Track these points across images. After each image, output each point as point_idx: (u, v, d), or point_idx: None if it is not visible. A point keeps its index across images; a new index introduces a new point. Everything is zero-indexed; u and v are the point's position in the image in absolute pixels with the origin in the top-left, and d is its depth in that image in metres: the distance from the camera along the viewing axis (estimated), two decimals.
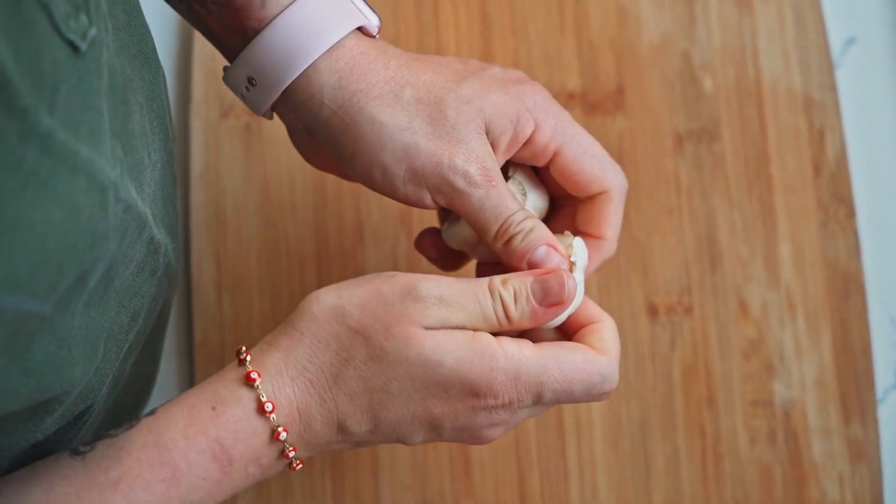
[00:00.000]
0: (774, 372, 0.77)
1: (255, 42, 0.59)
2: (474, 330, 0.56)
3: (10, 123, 0.40)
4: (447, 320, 0.56)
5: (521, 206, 0.59)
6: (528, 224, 0.59)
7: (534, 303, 0.57)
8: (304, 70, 0.59)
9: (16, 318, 0.42)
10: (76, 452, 0.55)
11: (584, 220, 0.64)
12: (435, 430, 0.58)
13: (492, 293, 0.57)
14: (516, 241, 0.59)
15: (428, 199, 0.59)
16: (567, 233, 0.62)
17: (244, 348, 0.57)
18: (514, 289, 0.57)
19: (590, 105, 0.81)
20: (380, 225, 0.79)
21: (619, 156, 0.80)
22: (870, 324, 0.77)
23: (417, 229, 0.79)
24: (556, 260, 0.59)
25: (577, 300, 0.59)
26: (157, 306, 0.63)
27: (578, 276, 0.60)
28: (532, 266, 0.59)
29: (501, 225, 0.59)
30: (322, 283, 0.79)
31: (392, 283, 0.56)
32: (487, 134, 0.59)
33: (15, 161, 0.40)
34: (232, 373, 0.57)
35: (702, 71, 0.81)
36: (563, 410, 0.77)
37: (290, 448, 0.56)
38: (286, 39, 0.58)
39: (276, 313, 0.78)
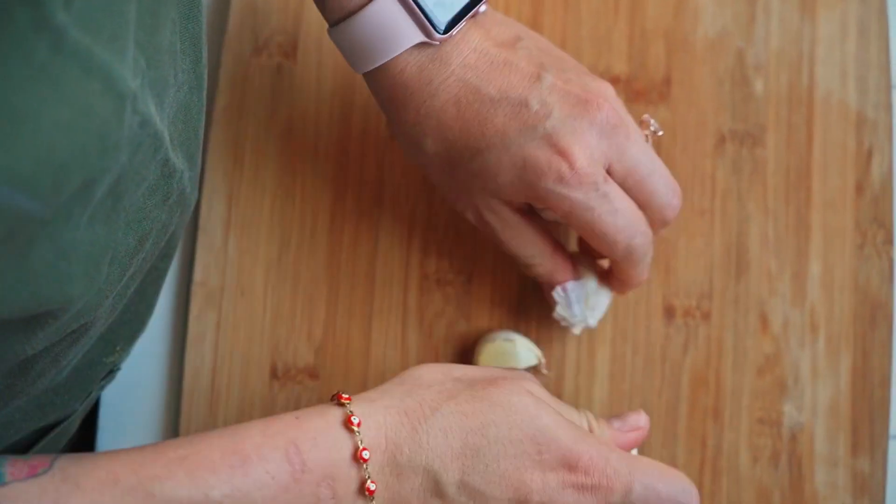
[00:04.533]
0: (787, 392, 0.74)
1: (331, 31, 0.62)
2: None
3: (23, 11, 0.38)
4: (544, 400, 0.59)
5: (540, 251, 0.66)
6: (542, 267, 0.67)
7: (614, 427, 0.62)
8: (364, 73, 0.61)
9: (13, 216, 0.41)
10: None
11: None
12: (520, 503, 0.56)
13: (579, 411, 0.61)
14: (533, 273, 0.68)
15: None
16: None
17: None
18: (596, 418, 0.62)
19: (634, 92, 0.78)
20: (401, 186, 0.77)
21: (657, 148, 0.77)
22: (893, 356, 0.74)
23: (439, 195, 0.76)
24: (561, 302, 0.68)
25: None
26: (167, 233, 0.61)
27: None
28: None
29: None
30: (334, 237, 0.76)
31: (498, 369, 0.61)
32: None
33: (25, 52, 0.39)
34: (320, 405, 0.57)
35: (754, 72, 0.78)
36: (564, 400, 0.74)
37: (371, 480, 0.54)
38: (349, 43, 0.60)
39: (281, 261, 0.76)
